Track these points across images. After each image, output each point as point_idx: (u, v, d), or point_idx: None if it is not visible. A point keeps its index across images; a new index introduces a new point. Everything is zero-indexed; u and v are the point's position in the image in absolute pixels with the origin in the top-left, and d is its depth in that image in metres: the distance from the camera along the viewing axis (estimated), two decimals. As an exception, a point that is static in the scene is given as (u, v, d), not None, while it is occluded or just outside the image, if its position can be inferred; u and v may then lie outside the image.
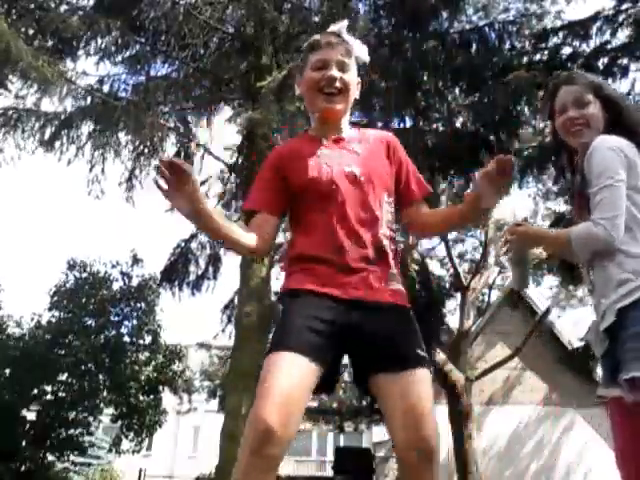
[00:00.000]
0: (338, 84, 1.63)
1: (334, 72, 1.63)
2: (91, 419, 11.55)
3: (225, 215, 9.64)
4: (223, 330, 9.95)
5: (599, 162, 1.65)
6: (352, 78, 1.67)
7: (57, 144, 7.91)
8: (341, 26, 1.74)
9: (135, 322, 12.08)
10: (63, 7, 7.47)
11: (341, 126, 1.70)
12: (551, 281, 13.27)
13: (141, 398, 11.70)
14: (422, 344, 1.53)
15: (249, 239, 1.58)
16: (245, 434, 1.33)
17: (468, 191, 1.68)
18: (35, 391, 10.93)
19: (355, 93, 1.71)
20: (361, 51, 1.74)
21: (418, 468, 1.42)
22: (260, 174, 1.72)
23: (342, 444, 17.81)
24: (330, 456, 18.13)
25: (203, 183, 9.56)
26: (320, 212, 1.57)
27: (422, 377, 1.46)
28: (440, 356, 9.89)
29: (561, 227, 1.90)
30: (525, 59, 6.69)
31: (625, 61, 6.11)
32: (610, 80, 6.04)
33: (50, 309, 11.59)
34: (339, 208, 1.56)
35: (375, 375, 1.47)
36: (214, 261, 9.21)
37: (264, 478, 1.32)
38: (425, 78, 6.93)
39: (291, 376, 1.35)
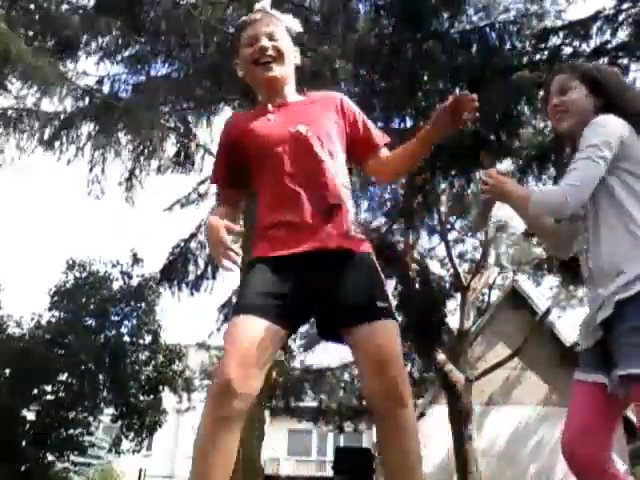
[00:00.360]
0: (271, 52, 1.68)
1: (264, 42, 1.68)
2: (91, 419, 11.55)
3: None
4: (218, 329, 9.95)
5: (590, 135, 1.64)
6: (284, 44, 1.72)
7: (57, 144, 7.92)
8: (265, 2, 1.79)
9: (135, 322, 12.09)
10: (63, 7, 7.48)
11: (285, 92, 1.74)
12: (551, 281, 13.28)
13: (141, 398, 11.71)
14: (384, 293, 1.55)
15: (233, 219, 1.68)
16: (209, 389, 1.41)
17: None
18: (35, 391, 10.92)
19: (293, 59, 1.77)
20: (291, 21, 1.81)
21: (389, 414, 1.46)
22: (217, 150, 1.80)
23: (342, 444, 17.80)
24: (330, 456, 18.12)
25: (202, 183, 9.57)
26: (271, 176, 1.61)
27: (384, 328, 1.49)
28: (440, 356, 9.89)
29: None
30: (525, 59, 6.69)
31: (625, 61, 6.11)
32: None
33: (50, 309, 11.59)
34: (288, 168, 1.58)
35: (343, 328, 1.52)
36: (213, 261, 9.20)
37: (224, 430, 1.37)
38: (425, 78, 6.92)
39: (248, 336, 1.40)
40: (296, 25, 1.83)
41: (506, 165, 1.68)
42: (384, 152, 1.78)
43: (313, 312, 1.57)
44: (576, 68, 1.86)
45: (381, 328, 1.49)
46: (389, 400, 1.45)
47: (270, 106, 1.71)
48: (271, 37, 1.70)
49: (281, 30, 1.75)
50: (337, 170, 1.63)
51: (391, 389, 1.44)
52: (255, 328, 1.42)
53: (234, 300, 1.37)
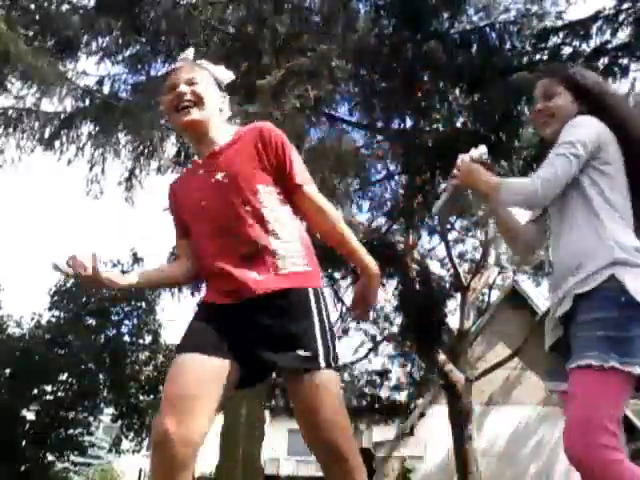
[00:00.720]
0: (189, 96, 1.66)
1: (182, 88, 1.68)
2: (91, 419, 11.55)
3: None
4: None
5: (566, 133, 1.66)
6: (204, 89, 1.70)
7: (57, 144, 7.92)
8: (188, 53, 1.86)
9: (135, 321, 12.09)
10: (63, 7, 7.48)
11: (211, 137, 1.70)
12: (551, 281, 13.25)
13: (141, 398, 11.71)
14: (310, 335, 1.45)
15: (177, 271, 1.70)
16: (152, 445, 1.34)
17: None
18: (35, 391, 10.93)
19: (218, 105, 1.74)
20: (221, 71, 1.83)
21: (328, 468, 1.43)
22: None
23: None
24: (330, 456, 18.08)
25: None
26: (200, 229, 1.63)
27: (310, 383, 1.41)
28: (440, 356, 9.89)
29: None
30: (525, 59, 6.69)
31: (625, 61, 6.11)
32: (610, 80, 6.04)
33: (50, 309, 11.60)
34: (211, 223, 1.59)
35: (283, 375, 1.47)
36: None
37: (167, 477, 1.30)
38: (425, 78, 6.92)
39: (186, 375, 1.35)
40: (226, 75, 1.84)
41: (482, 150, 1.65)
42: (304, 196, 1.65)
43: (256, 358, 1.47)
44: (559, 73, 1.85)
45: (307, 383, 1.40)
46: (328, 457, 1.41)
47: (200, 159, 1.71)
48: (190, 82, 1.69)
49: (203, 76, 1.73)
50: (262, 207, 1.56)
51: (327, 449, 1.39)
52: (192, 365, 1.37)
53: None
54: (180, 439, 1.27)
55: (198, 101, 1.67)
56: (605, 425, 1.43)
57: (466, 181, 1.77)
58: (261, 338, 1.44)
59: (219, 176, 1.59)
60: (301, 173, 1.65)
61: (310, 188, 1.65)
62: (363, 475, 1.44)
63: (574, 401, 1.47)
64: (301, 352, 1.41)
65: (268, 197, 1.59)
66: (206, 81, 1.73)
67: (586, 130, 1.64)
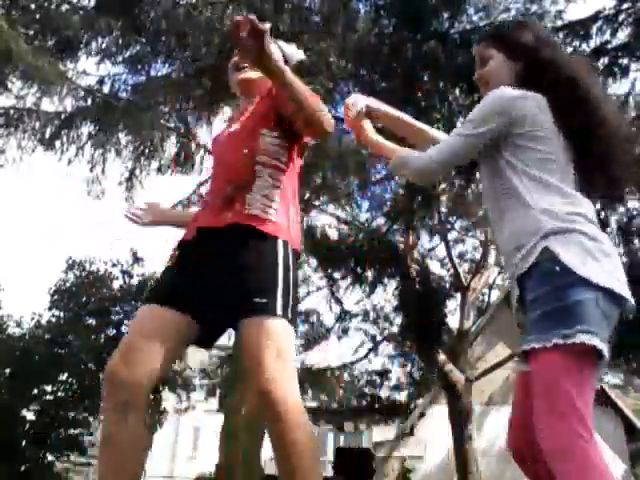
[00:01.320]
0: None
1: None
2: (91, 419, 11.54)
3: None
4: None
5: (475, 109, 1.60)
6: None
7: (57, 144, 7.93)
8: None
9: (135, 322, 12.09)
10: (64, 7, 7.48)
11: (254, 96, 1.80)
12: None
13: (141, 398, 11.71)
14: (267, 280, 1.43)
15: None
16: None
17: None
18: (35, 391, 10.92)
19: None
20: (289, 48, 1.86)
21: (264, 416, 1.37)
22: None
23: (342, 444, 17.80)
24: (330, 456, 18.12)
25: (203, 184, 9.56)
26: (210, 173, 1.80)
27: (258, 326, 1.38)
28: (440, 356, 9.89)
29: None
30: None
31: (625, 61, 6.11)
32: (610, 80, 6.04)
33: (50, 308, 11.60)
34: (216, 164, 1.74)
35: (227, 318, 1.45)
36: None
37: (118, 422, 1.34)
38: (425, 78, 6.92)
39: (140, 325, 1.41)
40: (296, 53, 1.86)
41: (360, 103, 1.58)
42: None
43: (208, 296, 1.47)
44: (491, 34, 1.76)
45: (254, 327, 1.38)
46: (261, 403, 1.34)
47: (234, 115, 1.84)
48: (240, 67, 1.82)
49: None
50: (260, 147, 1.62)
51: (261, 395, 1.33)
52: (148, 317, 1.43)
53: None
54: (128, 383, 1.33)
55: (250, 85, 1.78)
56: (567, 411, 1.31)
57: (357, 138, 1.79)
58: (221, 276, 1.45)
59: (234, 126, 1.73)
60: None
61: None
62: (299, 432, 1.35)
63: (535, 389, 1.38)
64: (257, 299, 1.40)
65: (271, 138, 1.64)
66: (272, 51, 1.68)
67: (490, 107, 1.56)
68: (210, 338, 1.55)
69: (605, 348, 1.35)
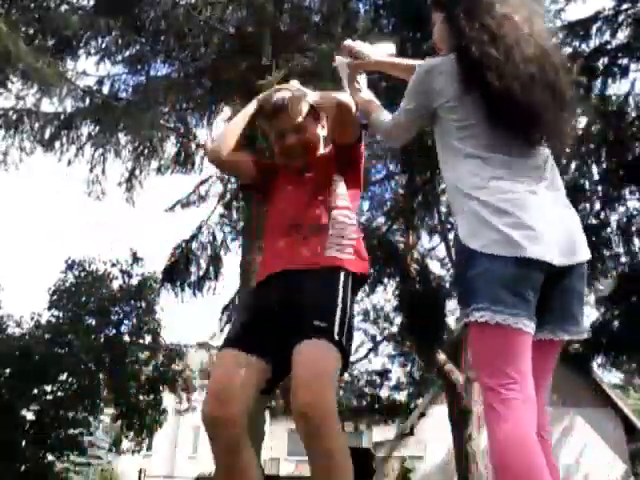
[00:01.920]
0: (297, 148, 1.86)
1: (291, 140, 1.86)
2: (91, 419, 11.53)
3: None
4: (222, 330, 9.95)
5: (408, 84, 1.64)
6: (310, 134, 1.88)
7: (57, 144, 7.93)
8: (293, 84, 1.98)
9: (135, 321, 12.07)
10: (63, 7, 7.47)
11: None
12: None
13: (141, 398, 11.69)
14: (329, 309, 1.56)
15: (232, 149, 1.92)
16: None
17: None
18: (35, 391, 10.91)
19: (320, 132, 1.93)
20: (314, 95, 1.92)
21: (304, 433, 1.43)
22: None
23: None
24: (330, 456, 18.11)
25: (203, 183, 9.57)
26: (275, 209, 1.90)
27: (312, 347, 1.48)
28: (440, 356, 9.89)
29: None
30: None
31: (625, 61, 6.11)
32: (610, 80, 6.04)
33: (49, 308, 11.57)
34: (285, 205, 1.85)
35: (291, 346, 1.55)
36: (215, 262, 9.21)
37: (228, 457, 1.49)
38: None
39: (224, 369, 1.56)
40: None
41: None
42: None
43: (282, 333, 1.58)
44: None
45: (309, 347, 1.48)
46: (304, 420, 1.41)
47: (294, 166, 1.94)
48: (297, 130, 1.85)
49: (309, 116, 1.88)
50: (332, 195, 1.79)
51: (305, 411, 1.41)
52: (231, 360, 1.56)
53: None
54: (224, 421, 1.46)
55: (305, 149, 1.87)
56: (488, 384, 1.35)
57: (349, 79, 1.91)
58: (293, 303, 1.59)
59: (302, 177, 1.86)
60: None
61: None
62: (341, 457, 1.47)
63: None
64: (317, 322, 1.52)
65: (339, 186, 1.82)
66: (310, 122, 1.89)
67: (411, 84, 1.60)
68: (279, 378, 1.67)
69: (503, 318, 1.32)
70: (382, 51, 1.92)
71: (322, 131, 1.93)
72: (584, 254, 1.46)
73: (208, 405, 1.48)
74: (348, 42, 1.90)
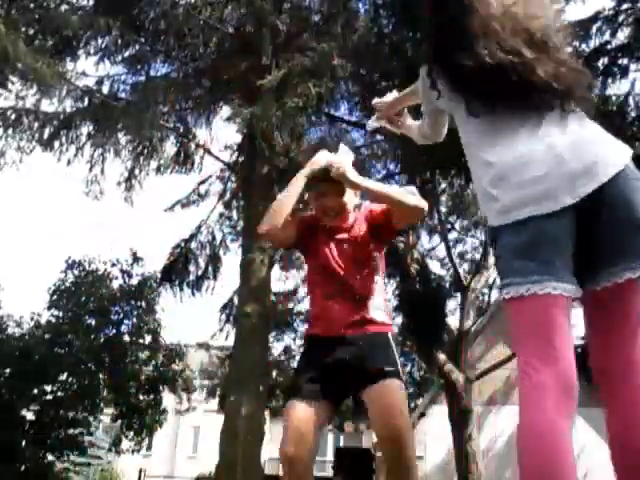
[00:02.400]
0: (336, 209, 2.13)
1: (330, 202, 2.13)
2: (91, 419, 11.53)
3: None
4: (221, 329, 9.96)
5: None
6: (347, 200, 2.14)
7: (57, 144, 7.92)
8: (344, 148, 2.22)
9: (135, 321, 12.07)
10: (63, 7, 7.47)
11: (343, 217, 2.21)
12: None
13: (141, 398, 11.69)
14: (392, 360, 2.00)
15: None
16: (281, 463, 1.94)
17: None
18: (35, 391, 10.91)
19: (353, 200, 2.18)
20: (349, 154, 2.18)
21: (391, 459, 1.88)
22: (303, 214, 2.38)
23: (342, 444, 17.80)
24: (330, 456, 18.13)
25: (203, 182, 9.57)
26: (318, 272, 2.18)
27: (389, 385, 1.93)
28: (440, 356, 9.89)
29: None
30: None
31: (625, 61, 6.11)
32: (610, 80, 6.04)
33: (49, 308, 11.57)
34: (333, 272, 2.13)
35: (361, 390, 1.96)
36: (214, 261, 9.21)
37: None
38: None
39: (299, 416, 1.92)
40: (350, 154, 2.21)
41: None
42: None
43: (346, 381, 1.99)
44: None
45: (386, 386, 1.93)
46: (391, 447, 1.87)
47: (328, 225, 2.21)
48: (338, 194, 2.11)
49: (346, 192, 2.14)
50: (372, 269, 2.11)
51: (393, 438, 1.86)
52: (303, 410, 1.93)
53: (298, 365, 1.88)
54: (300, 459, 1.88)
55: (342, 211, 2.14)
56: (519, 366, 1.27)
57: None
58: (356, 359, 1.98)
59: (344, 245, 2.13)
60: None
61: None
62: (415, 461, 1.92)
63: None
64: (388, 367, 1.97)
65: (376, 260, 2.14)
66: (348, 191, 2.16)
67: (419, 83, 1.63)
68: (337, 407, 2.08)
69: (526, 288, 1.23)
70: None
71: (356, 197, 2.20)
72: (613, 165, 1.24)
73: (287, 446, 1.88)
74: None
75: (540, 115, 1.33)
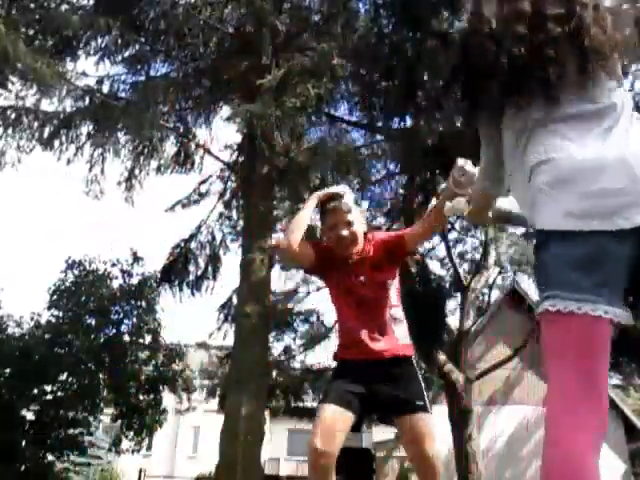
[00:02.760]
0: (348, 238, 2.34)
1: (343, 232, 2.33)
2: (91, 419, 11.52)
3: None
4: (219, 329, 9.96)
5: None
6: (357, 227, 2.35)
7: (56, 144, 7.92)
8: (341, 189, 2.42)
9: (135, 321, 12.05)
10: (63, 7, 7.47)
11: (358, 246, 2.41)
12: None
13: (141, 397, 11.68)
14: (421, 391, 2.28)
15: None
16: (308, 448, 2.15)
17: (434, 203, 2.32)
18: (35, 391, 10.90)
19: (362, 226, 2.40)
20: (351, 196, 2.39)
21: (423, 473, 2.26)
22: (318, 242, 2.57)
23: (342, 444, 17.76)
24: (330, 456, 18.10)
25: (203, 182, 9.56)
26: (342, 301, 2.45)
27: (422, 420, 2.24)
28: (440, 356, 9.88)
29: None
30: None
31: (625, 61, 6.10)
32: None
33: (49, 308, 11.56)
34: (355, 300, 2.40)
35: (393, 415, 2.29)
36: (214, 261, 9.21)
37: (321, 475, 2.15)
38: (425, 77, 6.92)
39: (329, 416, 2.17)
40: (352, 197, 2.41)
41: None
42: (411, 229, 2.42)
43: (375, 401, 2.28)
44: None
45: (420, 420, 2.24)
46: (425, 465, 2.25)
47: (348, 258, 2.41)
48: (348, 224, 2.32)
49: (355, 214, 2.35)
50: (389, 299, 2.40)
51: (427, 465, 2.24)
52: (333, 412, 2.18)
53: (328, 380, 2.09)
54: (326, 454, 2.11)
55: (354, 239, 2.34)
56: (551, 369, 1.24)
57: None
58: (387, 386, 2.29)
59: (362, 278, 2.35)
60: (400, 231, 2.50)
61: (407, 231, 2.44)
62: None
63: None
64: (419, 402, 2.25)
65: (392, 288, 2.40)
66: (357, 217, 2.37)
67: None
68: (358, 423, 2.36)
69: (578, 305, 1.14)
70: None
71: (363, 226, 2.40)
72: None
73: (316, 440, 2.09)
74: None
75: (607, 118, 1.25)
